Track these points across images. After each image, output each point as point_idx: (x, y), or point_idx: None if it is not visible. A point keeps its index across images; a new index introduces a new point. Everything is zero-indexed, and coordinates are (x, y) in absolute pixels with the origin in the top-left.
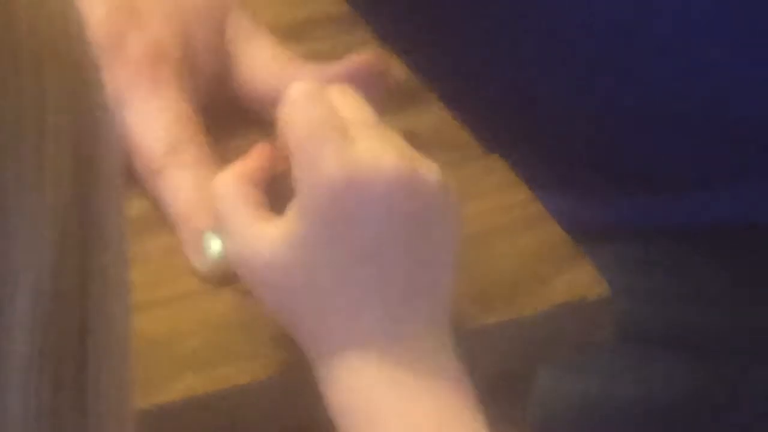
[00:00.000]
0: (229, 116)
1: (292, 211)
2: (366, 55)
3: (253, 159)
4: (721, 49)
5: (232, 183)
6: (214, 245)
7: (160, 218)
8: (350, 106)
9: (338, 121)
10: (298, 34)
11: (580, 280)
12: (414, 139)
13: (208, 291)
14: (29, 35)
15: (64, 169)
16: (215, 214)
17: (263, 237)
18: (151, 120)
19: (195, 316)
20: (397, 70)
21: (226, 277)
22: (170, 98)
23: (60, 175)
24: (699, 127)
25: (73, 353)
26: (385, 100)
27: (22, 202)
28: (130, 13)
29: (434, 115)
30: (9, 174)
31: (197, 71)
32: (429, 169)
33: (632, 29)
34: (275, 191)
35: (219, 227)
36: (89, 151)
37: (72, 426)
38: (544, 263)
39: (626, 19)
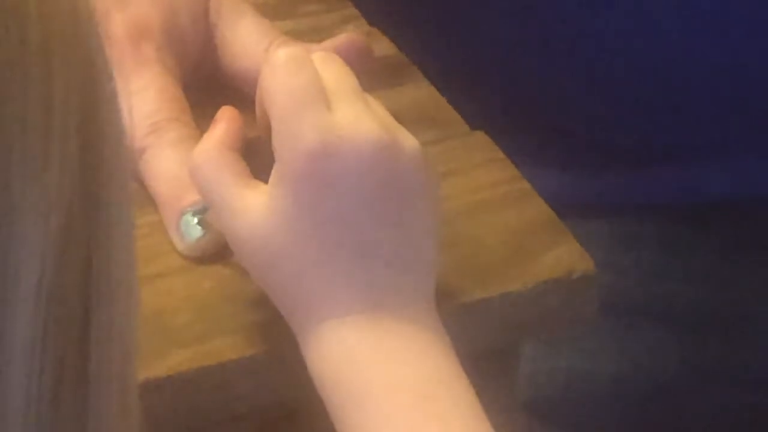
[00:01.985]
0: (214, 94)
1: (273, 178)
2: (351, 33)
3: (226, 124)
4: (711, 25)
5: (212, 151)
6: (196, 225)
7: (147, 195)
8: (334, 73)
9: (320, 88)
10: (284, 11)
11: (565, 256)
12: (400, 115)
13: (195, 267)
14: (38, 20)
15: (71, 153)
16: (197, 184)
17: (247, 205)
18: (134, 99)
19: (182, 293)
20: (384, 46)
21: (208, 256)
22: (153, 77)
23: (66, 159)
24: (686, 103)
25: (77, 332)
26: (371, 77)
27: (28, 186)
28: None
29: (420, 92)
30: (15, 158)
31: (181, 49)
32: (408, 139)
33: (622, 3)
34: (254, 155)
35: (200, 203)
36: (96, 135)
37: (73, 405)
38: (530, 239)
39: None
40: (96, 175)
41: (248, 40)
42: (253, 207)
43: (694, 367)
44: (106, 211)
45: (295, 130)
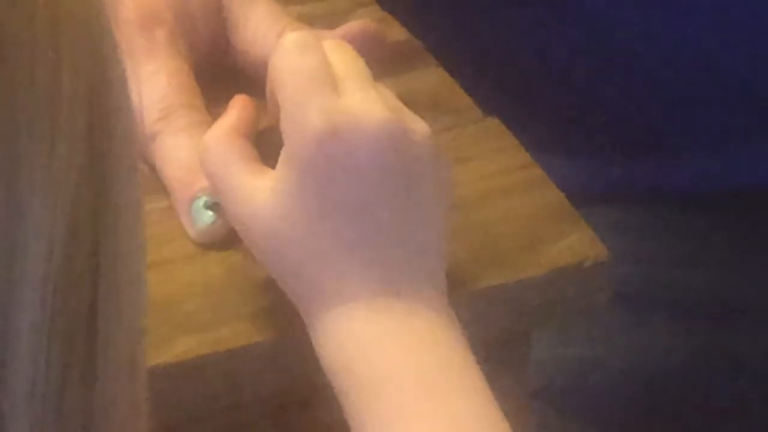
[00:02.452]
0: (226, 80)
1: (280, 162)
2: (364, 20)
3: (238, 111)
4: (728, 12)
5: (223, 137)
6: (206, 210)
7: (157, 181)
8: (343, 60)
9: (328, 72)
10: None
11: (578, 244)
12: (413, 101)
13: (204, 254)
14: (45, 2)
15: (79, 137)
16: (206, 170)
17: (255, 190)
18: (145, 84)
19: (191, 279)
20: (396, 32)
21: (218, 241)
22: (165, 62)
23: (74, 143)
24: (700, 91)
25: (85, 317)
26: (384, 62)
27: (36, 171)
28: None
29: (434, 78)
30: (22, 142)
31: (193, 35)
32: (417, 123)
33: None
34: (265, 143)
35: (210, 188)
36: (104, 119)
37: (81, 391)
38: (543, 227)
39: None
40: (104, 159)
41: (260, 26)
42: (261, 192)
43: (707, 357)
44: (114, 196)
45: (303, 113)
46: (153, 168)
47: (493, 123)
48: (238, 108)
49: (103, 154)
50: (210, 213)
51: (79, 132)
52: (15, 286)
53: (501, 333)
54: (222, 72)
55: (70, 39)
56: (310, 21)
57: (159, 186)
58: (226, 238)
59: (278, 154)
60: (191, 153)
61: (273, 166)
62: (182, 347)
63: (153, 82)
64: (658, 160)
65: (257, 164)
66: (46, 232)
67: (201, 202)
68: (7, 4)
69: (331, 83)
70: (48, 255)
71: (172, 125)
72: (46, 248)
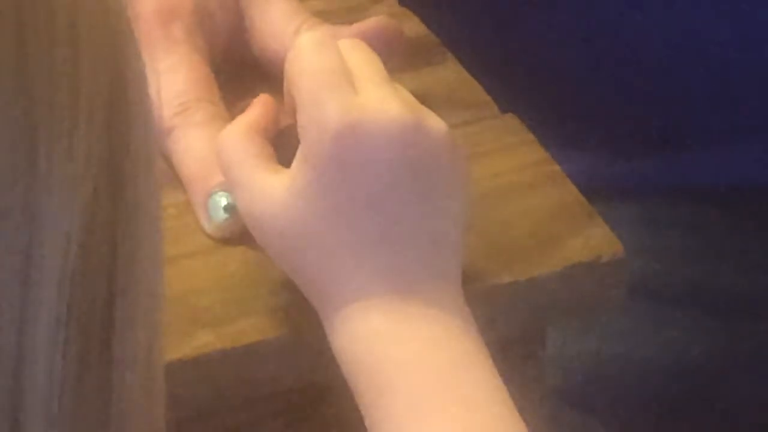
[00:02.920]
0: (243, 75)
1: (297, 161)
2: (381, 16)
3: (258, 110)
4: (744, 5)
5: (240, 134)
6: (223, 205)
7: (174, 176)
8: (359, 58)
9: (345, 70)
10: None
11: (594, 240)
12: (430, 97)
13: (220, 248)
14: (66, 2)
15: (97, 132)
16: (222, 166)
17: (270, 188)
18: (163, 79)
19: (208, 274)
20: (414, 27)
21: (235, 236)
22: (182, 57)
23: (92, 138)
24: (717, 85)
25: (101, 312)
26: (401, 58)
27: (54, 166)
28: None
29: (450, 74)
30: (41, 137)
31: (210, 29)
32: (435, 120)
33: None
34: (282, 144)
35: (227, 183)
36: (123, 114)
37: (97, 385)
38: (559, 223)
39: None
40: (122, 154)
41: (277, 22)
42: (276, 190)
43: (726, 352)
44: (132, 191)
45: (320, 110)
46: (169, 162)
47: (510, 119)
48: (259, 106)
49: (122, 151)
50: (226, 208)
51: (97, 129)
52: (32, 281)
53: (517, 329)
54: (239, 67)
55: (89, 36)
56: (328, 17)
57: (175, 181)
58: (242, 233)
59: (293, 155)
60: (208, 148)
61: (288, 167)
62: (198, 342)
63: (170, 77)
64: (674, 155)
65: (272, 163)
66: (64, 229)
67: (217, 196)
68: (27, 3)
69: (348, 81)
70: (65, 251)
71: (188, 120)
72: (63, 245)
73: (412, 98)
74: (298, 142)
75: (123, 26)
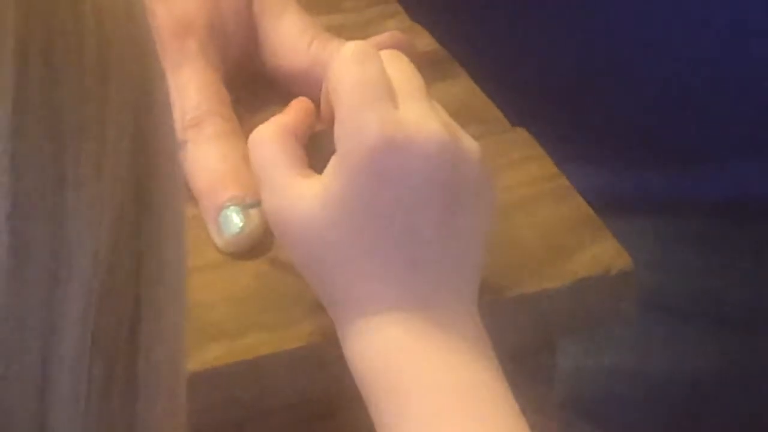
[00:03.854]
0: (256, 89)
1: (330, 169)
2: (394, 30)
3: (294, 112)
4: (758, 24)
5: (274, 135)
6: (235, 220)
7: (186, 189)
8: (401, 71)
9: (387, 83)
10: (326, 5)
11: (603, 254)
12: None
13: (232, 262)
14: (94, 21)
15: (124, 152)
16: (253, 164)
17: (301, 193)
18: (176, 93)
19: (219, 288)
20: (425, 41)
21: (245, 251)
22: (195, 71)
23: (119, 159)
24: (729, 100)
25: (127, 332)
26: None
27: (81, 186)
28: None
29: (462, 88)
30: (68, 158)
31: (224, 44)
32: (469, 141)
33: (664, 3)
34: (314, 149)
35: (240, 198)
36: (149, 134)
37: (122, 405)
38: (568, 236)
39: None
40: (148, 173)
41: (290, 36)
42: (307, 195)
43: (739, 367)
44: (157, 210)
45: (360, 122)
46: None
47: (521, 133)
48: (295, 109)
49: (148, 172)
50: (237, 222)
51: (124, 150)
52: (59, 301)
53: (527, 343)
54: (252, 81)
55: (117, 58)
56: (340, 31)
57: (188, 194)
58: (254, 247)
59: (325, 160)
60: (220, 162)
61: (318, 172)
62: (210, 355)
63: (184, 91)
64: (684, 170)
65: (304, 167)
66: (91, 249)
67: (229, 211)
68: (57, 26)
69: (389, 94)
70: (92, 271)
71: (201, 134)
72: (90, 265)
73: (448, 117)
74: (330, 148)
75: (150, 45)
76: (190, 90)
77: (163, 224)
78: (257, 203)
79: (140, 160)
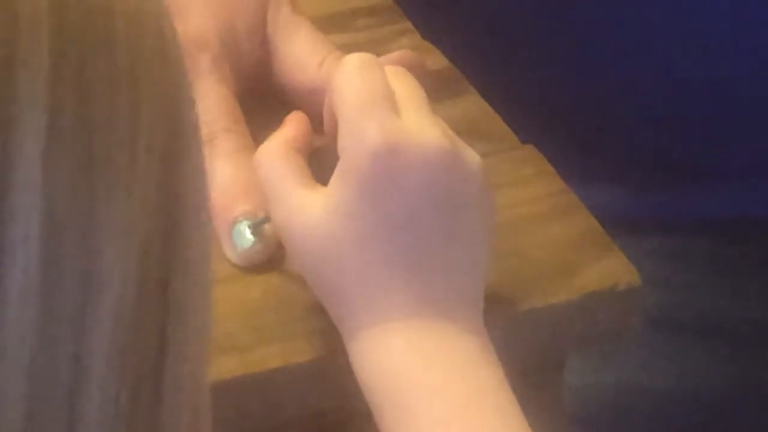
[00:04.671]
0: (268, 106)
1: (334, 179)
2: (405, 49)
3: (294, 126)
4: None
5: (279, 150)
6: (247, 234)
7: None
8: (404, 85)
9: (389, 92)
10: (339, 24)
11: (610, 269)
12: (452, 128)
13: (243, 275)
14: (126, 44)
15: (154, 177)
16: (260, 181)
17: (306, 204)
18: None
19: (230, 300)
20: (437, 60)
21: (258, 265)
22: (209, 87)
23: (149, 184)
24: (737, 118)
25: (153, 354)
26: (424, 90)
27: (112, 210)
28: (173, 5)
29: (471, 105)
30: (99, 184)
31: (237, 61)
32: (469, 151)
33: (671, 21)
34: (318, 161)
35: (253, 213)
36: (179, 159)
37: (147, 425)
38: (576, 252)
39: (659, 16)
40: (177, 195)
41: (302, 54)
42: (312, 205)
43: (744, 384)
44: (184, 233)
45: (362, 129)
46: None
47: (530, 150)
48: (294, 122)
49: (177, 193)
50: (250, 237)
51: (154, 174)
52: (89, 322)
53: (534, 357)
54: (265, 98)
55: (149, 82)
56: (352, 49)
57: None
58: (266, 261)
59: (329, 174)
60: (233, 177)
61: (324, 185)
62: (221, 368)
63: (198, 107)
64: (693, 188)
65: (309, 179)
66: (121, 270)
67: (242, 226)
68: (90, 46)
69: (391, 103)
70: (122, 292)
71: (215, 150)
72: (120, 285)
73: (450, 129)
74: (334, 160)
75: (180, 68)
76: (203, 106)
77: (191, 244)
78: (269, 218)
79: (170, 183)
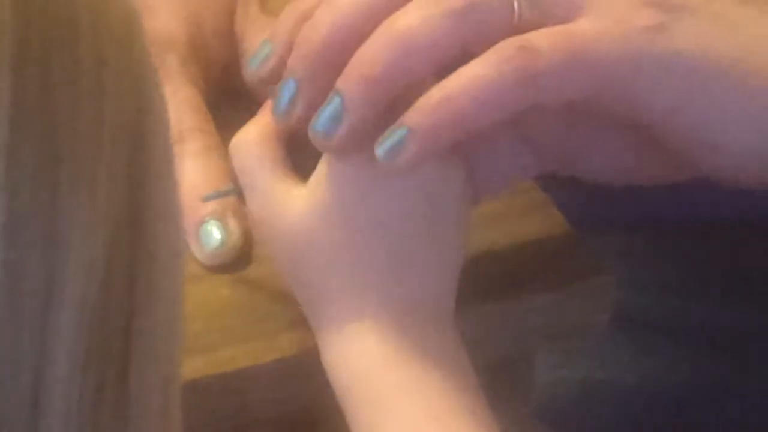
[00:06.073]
0: (238, 105)
1: (317, 173)
2: None
3: (269, 115)
4: None
5: (255, 139)
6: (215, 234)
7: None
8: None
9: None
10: None
11: (578, 266)
12: None
13: (211, 275)
14: (91, 36)
15: (119, 169)
16: (237, 170)
17: (286, 198)
18: None
19: (198, 300)
20: None
21: (226, 266)
22: (176, 88)
23: (115, 176)
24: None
25: (119, 352)
26: None
27: (76, 203)
28: (141, 5)
29: None
30: (63, 175)
31: (205, 59)
32: (447, 155)
33: None
34: (295, 149)
35: (220, 212)
36: (145, 152)
37: (113, 416)
38: (544, 249)
39: None
40: (143, 193)
41: None
42: (293, 199)
43: (709, 383)
44: (152, 227)
45: None
46: None
47: None
48: (270, 110)
49: (143, 191)
50: (218, 237)
51: (120, 169)
52: (53, 318)
53: (503, 353)
54: (233, 97)
55: (114, 74)
56: None
57: None
58: (235, 261)
59: (307, 162)
60: (201, 177)
61: (300, 175)
62: (189, 368)
63: None
64: (658, 190)
65: (287, 169)
66: (85, 267)
67: (209, 225)
68: (54, 41)
69: None
70: (86, 289)
71: (182, 149)
72: (84, 282)
73: None
74: (311, 147)
75: (146, 61)
76: (171, 106)
77: (159, 239)
78: (237, 216)
79: (136, 180)
